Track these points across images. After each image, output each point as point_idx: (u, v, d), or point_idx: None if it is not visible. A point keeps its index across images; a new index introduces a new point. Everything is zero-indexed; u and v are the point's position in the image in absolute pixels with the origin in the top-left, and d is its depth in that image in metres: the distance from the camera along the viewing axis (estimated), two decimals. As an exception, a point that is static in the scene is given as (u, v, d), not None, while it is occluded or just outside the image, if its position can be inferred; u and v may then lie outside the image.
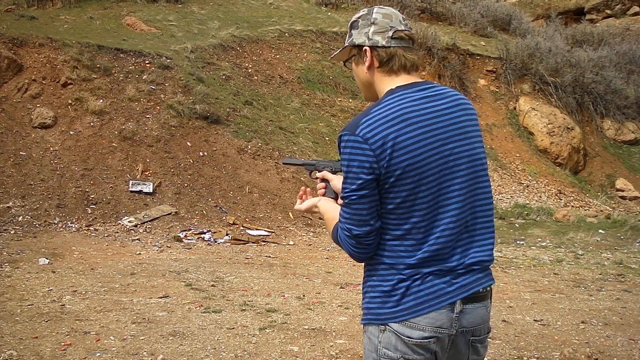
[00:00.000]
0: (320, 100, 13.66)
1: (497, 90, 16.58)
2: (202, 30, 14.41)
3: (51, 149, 9.80)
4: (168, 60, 12.08)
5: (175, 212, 9.39)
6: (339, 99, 13.97)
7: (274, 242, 8.93)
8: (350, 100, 14.17)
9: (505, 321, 5.50)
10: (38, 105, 10.31)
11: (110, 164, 9.87)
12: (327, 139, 12.61)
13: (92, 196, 9.25)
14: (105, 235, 8.55)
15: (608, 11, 23.13)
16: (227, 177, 10.38)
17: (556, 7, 23.07)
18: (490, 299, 1.96)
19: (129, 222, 8.95)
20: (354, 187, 1.77)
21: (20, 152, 9.59)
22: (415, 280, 1.80)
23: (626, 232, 10.98)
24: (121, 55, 11.72)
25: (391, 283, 1.82)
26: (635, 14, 22.79)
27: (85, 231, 8.60)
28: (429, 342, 1.79)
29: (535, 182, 14.01)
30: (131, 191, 9.51)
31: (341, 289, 6.51)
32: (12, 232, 8.23)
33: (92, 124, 10.36)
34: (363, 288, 1.93)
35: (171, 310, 5.40)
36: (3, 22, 12.01)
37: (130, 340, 4.58)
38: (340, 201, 1.95)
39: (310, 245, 8.97)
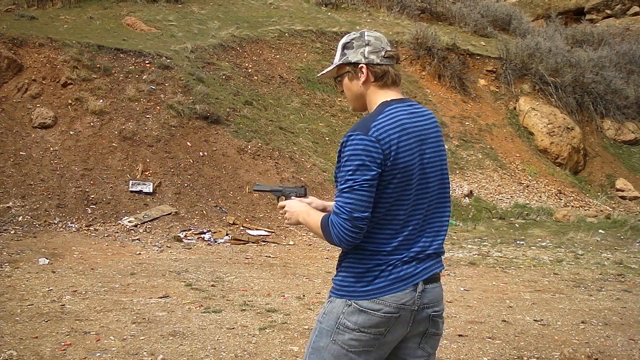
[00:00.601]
0: (320, 100, 13.67)
1: (497, 90, 16.58)
2: (202, 30, 14.41)
3: (51, 149, 9.80)
4: (168, 60, 12.09)
5: (175, 212, 9.39)
6: (339, 99, 13.97)
7: (274, 242, 8.94)
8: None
9: (505, 321, 5.50)
10: (38, 105, 10.31)
11: (110, 164, 9.87)
12: (327, 139, 12.61)
13: (92, 196, 9.26)
14: (105, 235, 8.55)
15: (608, 11, 23.13)
16: (227, 177, 10.38)
17: (556, 7, 23.07)
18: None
19: (129, 222, 8.95)
20: (367, 177, 2.04)
21: (20, 152, 9.59)
22: (388, 265, 2.13)
23: (626, 232, 10.98)
24: (121, 55, 11.72)
25: (367, 266, 2.13)
26: (635, 14, 22.79)
27: (85, 231, 8.60)
28: (392, 316, 2.11)
29: (535, 182, 14.01)
30: (131, 191, 9.51)
31: (341, 289, 6.50)
32: (12, 232, 8.23)
33: (92, 124, 10.36)
34: (338, 267, 2.22)
35: (171, 310, 5.40)
36: (3, 22, 12.02)
37: (130, 340, 4.58)
38: (309, 200, 2.36)
39: (310, 245, 8.97)
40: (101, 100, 10.71)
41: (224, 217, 9.51)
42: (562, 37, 19.03)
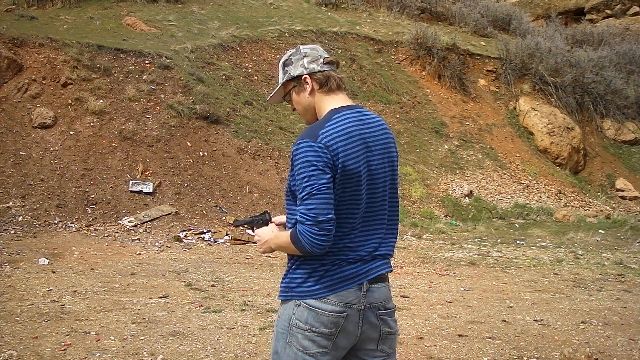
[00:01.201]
0: (320, 100, 13.66)
1: (497, 90, 16.57)
2: (202, 30, 14.41)
3: (51, 149, 9.80)
4: (168, 60, 12.09)
5: (175, 212, 9.39)
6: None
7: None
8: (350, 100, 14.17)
9: (505, 321, 5.50)
10: (38, 105, 10.31)
11: (110, 164, 9.87)
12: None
13: (92, 196, 9.26)
14: (105, 235, 8.55)
15: (608, 11, 23.12)
16: (227, 177, 10.38)
17: (556, 7, 23.06)
18: (389, 282, 2.37)
19: (129, 222, 8.95)
20: (323, 180, 2.09)
21: (20, 152, 9.59)
22: (333, 265, 2.18)
23: (626, 232, 10.98)
24: (121, 55, 11.72)
25: (313, 266, 2.19)
26: (635, 14, 22.78)
27: (85, 231, 8.60)
28: (339, 316, 2.17)
29: (535, 182, 14.01)
30: (131, 191, 9.51)
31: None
32: (12, 232, 8.23)
33: (92, 124, 10.36)
34: (286, 269, 2.28)
35: (171, 310, 5.40)
36: (3, 22, 12.02)
37: (130, 340, 4.58)
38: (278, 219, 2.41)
39: (310, 245, 8.95)
40: (101, 100, 10.71)
41: (224, 217, 9.51)
42: (562, 37, 19.02)
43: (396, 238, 2.34)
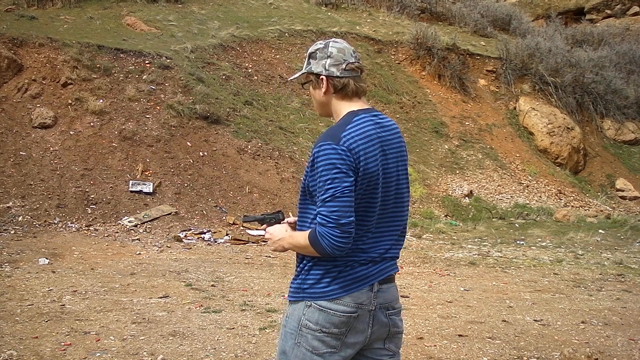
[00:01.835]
0: (320, 100, 13.65)
1: (497, 90, 16.57)
2: (202, 30, 14.41)
3: (51, 149, 9.80)
4: (168, 60, 12.09)
5: (175, 212, 9.39)
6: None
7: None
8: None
9: (505, 321, 5.50)
10: (38, 105, 10.31)
11: (110, 164, 9.87)
12: (327, 139, 12.60)
13: (92, 196, 9.26)
14: (105, 235, 8.55)
15: (608, 11, 23.12)
16: (227, 177, 10.38)
17: (556, 7, 23.06)
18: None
19: (129, 222, 8.95)
20: (346, 183, 2.11)
21: (20, 152, 9.59)
22: (346, 266, 2.20)
23: (626, 232, 10.98)
24: (121, 55, 11.72)
25: (326, 268, 2.20)
26: (635, 14, 22.77)
27: (85, 231, 8.60)
28: (350, 316, 2.19)
29: (535, 182, 14.01)
30: (131, 191, 9.51)
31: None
32: (12, 232, 8.23)
33: (92, 124, 10.36)
34: (297, 270, 2.28)
35: (171, 310, 5.40)
36: (3, 22, 12.01)
37: (130, 340, 4.58)
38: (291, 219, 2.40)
39: (310, 245, 8.95)
40: (101, 100, 10.71)
41: (224, 217, 9.51)
42: (562, 37, 19.02)
43: (404, 240, 2.37)
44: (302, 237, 2.22)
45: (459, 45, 16.64)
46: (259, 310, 5.50)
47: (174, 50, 12.59)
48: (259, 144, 11.26)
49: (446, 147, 14.08)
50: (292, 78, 2.49)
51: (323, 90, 2.29)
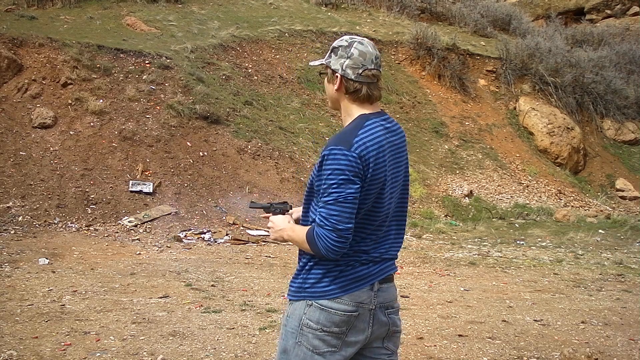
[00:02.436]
0: (320, 100, 13.66)
1: (497, 90, 16.57)
2: (202, 30, 14.41)
3: (51, 149, 9.80)
4: (168, 60, 12.09)
5: (175, 212, 9.39)
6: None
7: (274, 242, 8.94)
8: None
9: (505, 321, 5.50)
10: (38, 105, 10.31)
11: (110, 164, 9.87)
12: (327, 139, 12.60)
13: (92, 196, 9.26)
14: (105, 235, 8.55)
15: (608, 11, 23.11)
16: (227, 177, 10.38)
17: (556, 7, 23.05)
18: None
19: (129, 222, 8.95)
20: (351, 190, 2.13)
21: (20, 152, 9.59)
22: (347, 265, 2.23)
23: (626, 232, 10.98)
24: (121, 55, 11.72)
25: (328, 267, 2.23)
26: (635, 14, 22.77)
27: (85, 231, 8.60)
28: (351, 315, 2.22)
29: (535, 182, 14.01)
30: (131, 191, 9.51)
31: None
32: (12, 232, 8.23)
33: (92, 124, 10.36)
34: (298, 269, 2.30)
35: (171, 310, 5.40)
36: (3, 22, 12.01)
37: (130, 340, 4.58)
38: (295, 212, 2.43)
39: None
40: (101, 100, 10.71)
41: (224, 217, 9.51)
42: (562, 37, 19.01)
43: (403, 240, 2.40)
44: (301, 233, 2.24)
45: (459, 45, 16.64)
46: (259, 310, 5.50)
47: (174, 50, 12.59)
48: (259, 144, 11.26)
49: (446, 147, 14.08)
50: (312, 64, 2.52)
51: (336, 87, 2.29)
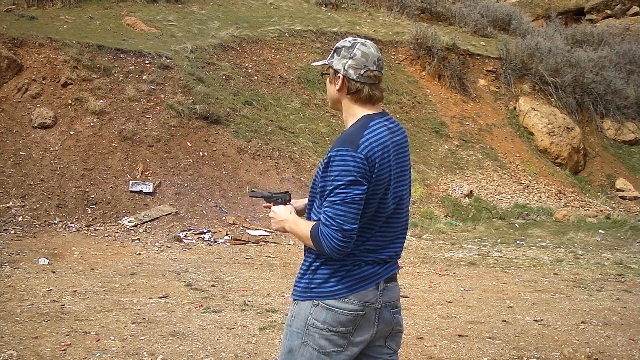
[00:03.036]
0: (320, 100, 13.66)
1: (497, 90, 16.57)
2: (202, 30, 14.41)
3: (51, 149, 9.80)
4: (168, 60, 12.09)
5: (175, 212, 9.39)
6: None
7: (274, 242, 8.94)
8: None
9: (505, 321, 5.50)
10: (38, 105, 10.31)
11: (110, 164, 9.87)
12: (327, 139, 12.61)
13: (92, 196, 9.26)
14: (105, 235, 8.55)
15: (608, 11, 23.12)
16: (227, 177, 10.38)
17: (556, 7, 23.06)
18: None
19: (129, 222, 8.96)
20: (358, 191, 2.14)
21: (20, 152, 9.59)
22: (354, 265, 2.24)
23: (626, 232, 10.98)
24: (121, 55, 11.72)
25: (334, 267, 2.24)
26: (635, 14, 22.77)
27: (85, 231, 8.60)
28: (358, 314, 2.23)
29: (535, 182, 14.01)
30: (131, 191, 9.51)
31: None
32: (12, 232, 8.23)
33: (92, 124, 10.36)
34: (304, 269, 2.30)
35: (171, 310, 5.40)
36: (3, 22, 12.01)
37: (130, 340, 4.58)
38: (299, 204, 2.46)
39: (310, 245, 8.94)
40: (101, 100, 10.71)
41: (224, 217, 9.51)
42: (562, 37, 19.02)
43: (405, 240, 2.42)
44: (305, 227, 2.25)
45: (459, 45, 16.64)
46: (259, 310, 5.50)
47: (174, 50, 12.59)
48: (259, 144, 11.26)
49: (446, 147, 14.08)
50: (314, 64, 2.55)
51: (337, 87, 2.30)
